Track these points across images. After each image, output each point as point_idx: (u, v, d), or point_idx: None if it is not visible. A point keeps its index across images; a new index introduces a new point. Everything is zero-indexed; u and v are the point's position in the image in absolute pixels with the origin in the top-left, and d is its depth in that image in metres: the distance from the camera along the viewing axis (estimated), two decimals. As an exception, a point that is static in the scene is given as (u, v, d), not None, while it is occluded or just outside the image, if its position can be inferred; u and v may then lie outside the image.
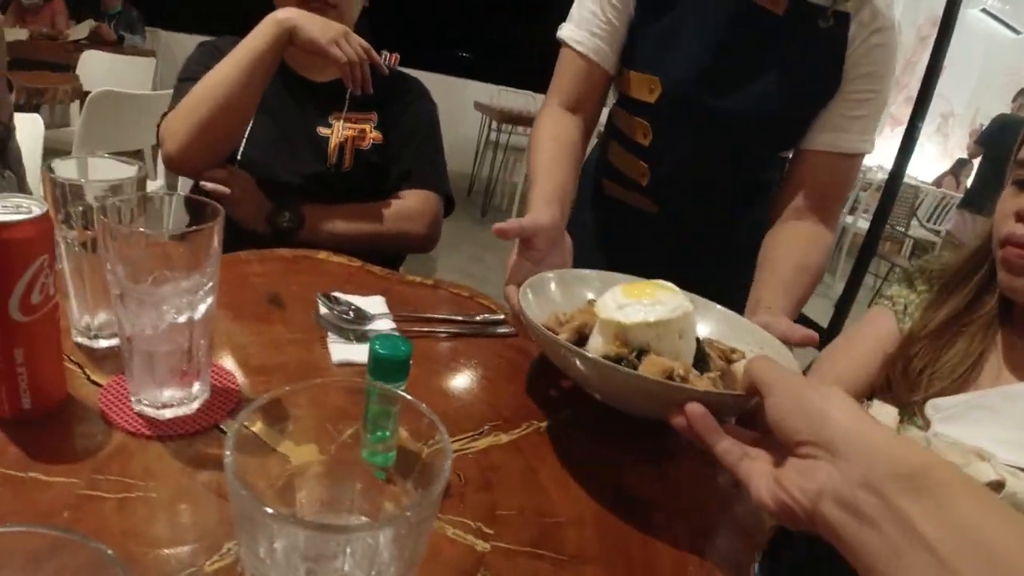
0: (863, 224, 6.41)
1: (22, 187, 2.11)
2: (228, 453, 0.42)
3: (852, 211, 7.06)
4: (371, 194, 1.60)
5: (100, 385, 0.78)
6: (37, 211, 0.65)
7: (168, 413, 0.75)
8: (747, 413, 0.73)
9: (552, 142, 1.29)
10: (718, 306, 1.05)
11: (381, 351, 0.67)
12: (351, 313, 1.03)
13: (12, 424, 0.70)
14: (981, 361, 1.02)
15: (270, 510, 0.39)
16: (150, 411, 0.75)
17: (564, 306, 1.00)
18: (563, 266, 1.08)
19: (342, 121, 1.59)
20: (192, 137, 1.39)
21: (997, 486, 0.82)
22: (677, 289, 0.92)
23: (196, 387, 0.77)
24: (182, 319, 0.71)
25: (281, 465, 0.52)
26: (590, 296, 1.03)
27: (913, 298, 1.14)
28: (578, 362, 0.80)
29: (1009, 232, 0.97)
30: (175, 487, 0.67)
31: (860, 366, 1.13)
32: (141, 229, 0.72)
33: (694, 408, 0.68)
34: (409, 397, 0.51)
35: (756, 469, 0.63)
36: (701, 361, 0.88)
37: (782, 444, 0.60)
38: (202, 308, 0.73)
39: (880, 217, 3.49)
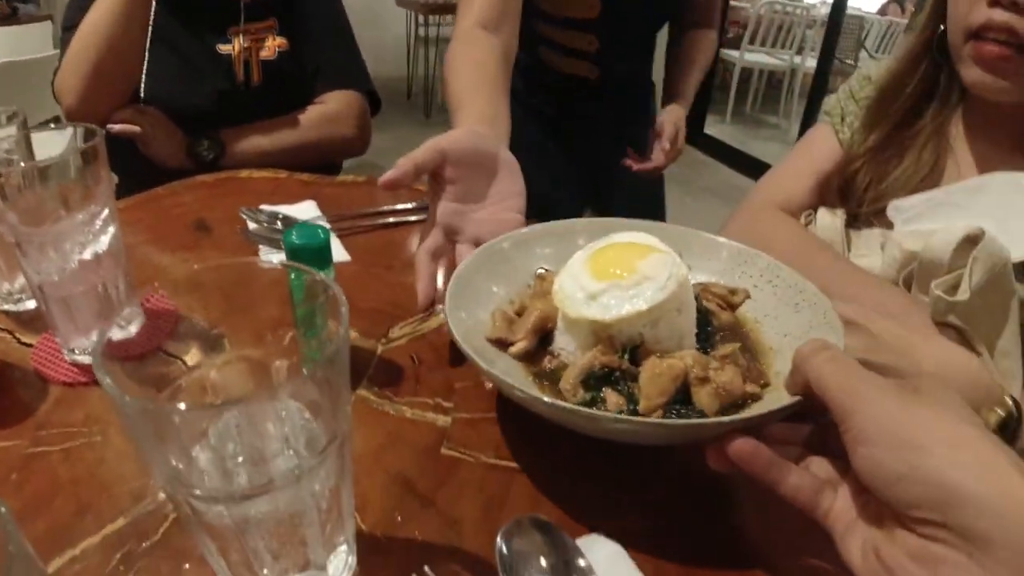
0: (811, 63, 6.04)
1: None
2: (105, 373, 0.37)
3: (799, 51, 6.75)
4: (291, 106, 1.54)
5: (31, 345, 0.77)
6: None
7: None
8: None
9: (473, 66, 1.06)
10: (698, 233, 0.85)
11: (297, 240, 0.63)
12: (279, 222, 0.99)
13: None
14: (938, 168, 0.97)
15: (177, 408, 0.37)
16: (83, 358, 0.73)
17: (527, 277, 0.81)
18: (511, 196, 0.87)
19: (241, 34, 1.49)
20: (86, 84, 1.33)
21: (974, 238, 0.81)
22: (654, 240, 0.72)
23: (125, 311, 0.74)
24: (88, 255, 0.68)
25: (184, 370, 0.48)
26: (539, 269, 0.82)
27: (852, 107, 1.08)
28: (560, 415, 0.59)
29: (984, 22, 0.81)
30: (118, 426, 0.67)
31: (803, 186, 1.10)
32: (16, 162, 0.68)
33: (741, 449, 0.52)
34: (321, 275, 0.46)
35: (843, 519, 0.48)
36: (704, 330, 0.72)
37: (884, 503, 0.44)
38: (105, 239, 0.69)
39: (827, 52, 3.40)
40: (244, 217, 1.02)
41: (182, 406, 0.41)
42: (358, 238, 1.05)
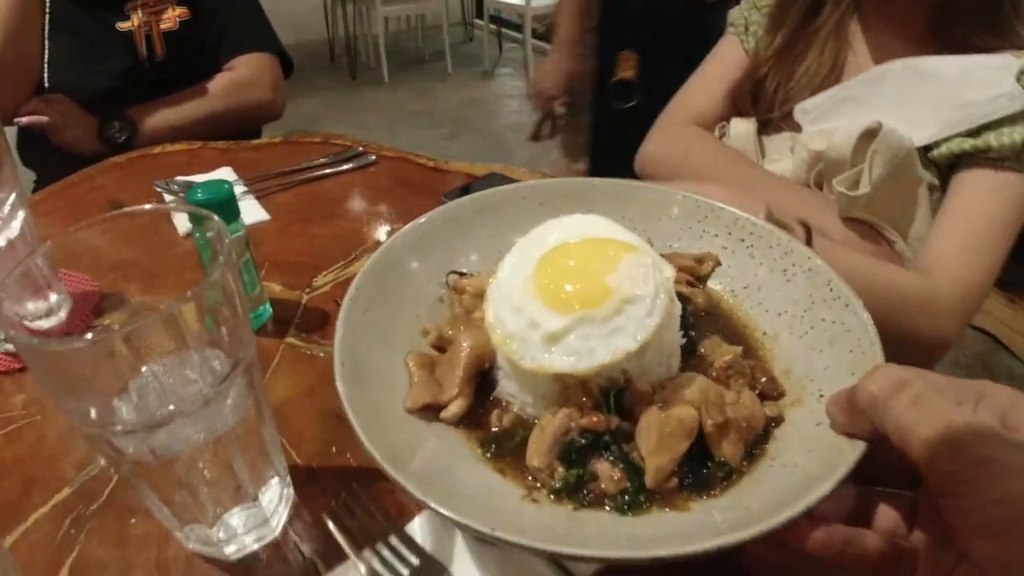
0: None
1: None
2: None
3: None
4: (201, 76, 1.48)
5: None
6: None
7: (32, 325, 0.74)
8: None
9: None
10: (641, 186, 0.68)
11: (201, 196, 0.63)
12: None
13: None
14: (839, 63, 0.98)
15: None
16: (9, 347, 0.74)
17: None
18: None
19: (139, 8, 1.43)
20: None
21: (872, 132, 0.82)
22: (607, 227, 0.55)
23: (53, 299, 0.75)
24: (1, 242, 0.69)
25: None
26: (448, 275, 0.63)
27: (755, 16, 1.08)
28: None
29: None
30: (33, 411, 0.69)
31: (714, 98, 1.10)
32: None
33: (816, 541, 0.40)
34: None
35: None
36: (690, 337, 0.55)
37: None
38: (16, 224, 0.70)
39: None
40: (159, 190, 1.02)
41: (79, 341, 0.39)
42: (276, 197, 1.06)
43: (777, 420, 0.50)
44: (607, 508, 0.45)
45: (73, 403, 0.42)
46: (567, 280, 0.49)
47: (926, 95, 0.88)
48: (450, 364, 0.53)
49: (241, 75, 1.51)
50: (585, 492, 0.46)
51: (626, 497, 0.46)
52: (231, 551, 0.54)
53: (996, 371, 2.17)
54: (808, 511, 0.39)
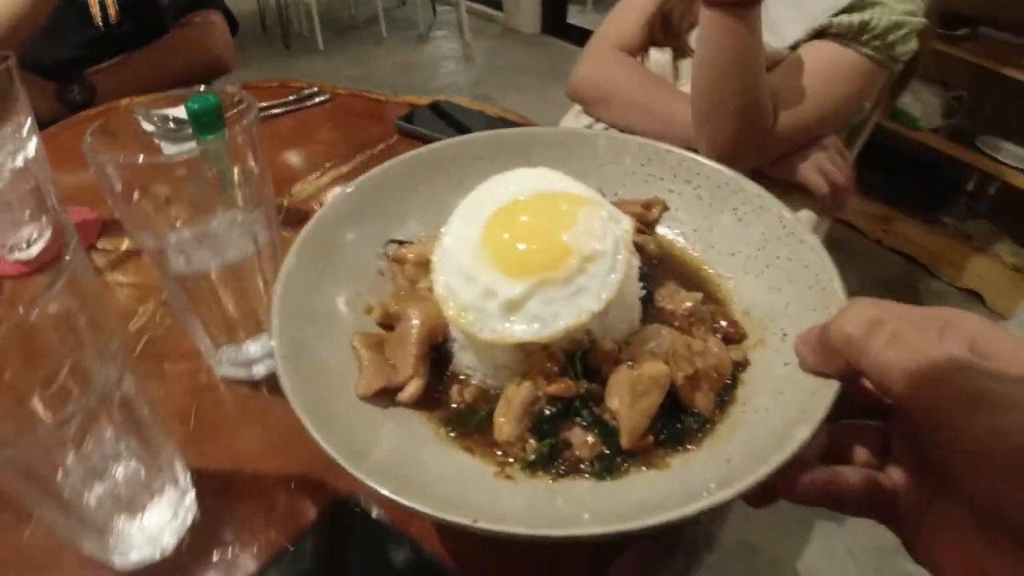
0: None
1: None
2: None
3: None
4: (155, 36, 1.49)
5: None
6: None
7: (35, 250, 0.82)
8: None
9: None
10: (585, 133, 0.66)
11: (194, 106, 0.62)
12: (171, 123, 0.94)
13: None
14: None
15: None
16: (22, 255, 0.81)
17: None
18: None
19: None
20: None
21: None
22: (557, 179, 0.52)
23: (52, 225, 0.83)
24: (20, 162, 0.77)
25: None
26: (387, 245, 0.58)
27: None
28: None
29: None
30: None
31: (634, 29, 1.21)
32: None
33: (802, 486, 0.39)
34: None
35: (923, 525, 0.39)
36: (646, 286, 0.53)
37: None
38: (31, 146, 0.78)
39: None
40: (138, 118, 0.96)
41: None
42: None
43: (743, 364, 0.49)
44: (585, 475, 0.43)
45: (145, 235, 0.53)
46: (521, 241, 0.45)
47: (786, 6, 1.06)
48: (401, 342, 0.49)
49: (192, 33, 1.53)
50: (560, 461, 0.44)
51: (603, 461, 0.44)
52: (258, 371, 0.62)
53: (916, 287, 2.32)
54: (794, 457, 0.38)
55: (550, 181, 0.50)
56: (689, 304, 0.51)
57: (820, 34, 1.02)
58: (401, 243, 0.58)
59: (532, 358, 0.46)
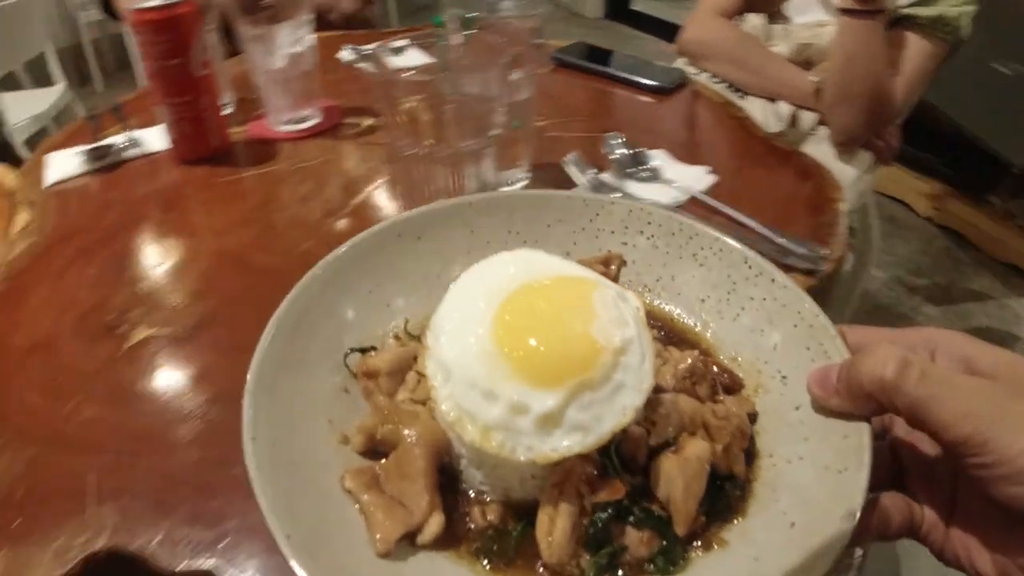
0: None
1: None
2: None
3: None
4: None
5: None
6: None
7: (301, 125, 1.09)
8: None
9: None
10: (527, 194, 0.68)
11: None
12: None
13: (201, 160, 1.00)
14: None
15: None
16: (289, 128, 1.08)
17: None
18: None
19: None
20: None
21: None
22: (573, 269, 0.48)
23: (311, 110, 1.11)
24: (299, 48, 1.01)
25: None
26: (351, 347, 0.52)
27: None
28: None
29: None
30: (326, 159, 1.02)
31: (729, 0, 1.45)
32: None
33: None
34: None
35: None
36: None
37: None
38: (308, 39, 1.03)
39: None
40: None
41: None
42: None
43: (753, 415, 0.48)
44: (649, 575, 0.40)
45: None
46: (544, 343, 0.40)
47: None
48: (403, 475, 0.42)
49: None
50: (619, 568, 0.40)
51: (664, 555, 0.41)
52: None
53: (962, 261, 2.59)
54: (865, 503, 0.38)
55: (539, 264, 0.46)
56: (685, 363, 0.49)
57: (899, 21, 1.27)
58: (364, 351, 0.50)
59: (566, 463, 0.41)
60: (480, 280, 0.45)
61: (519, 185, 0.89)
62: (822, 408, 0.43)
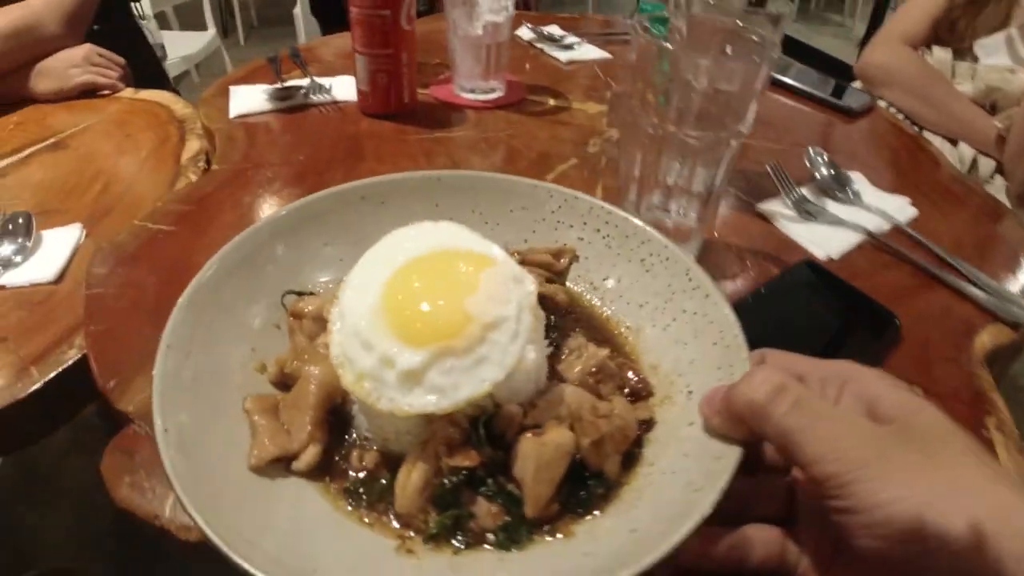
0: None
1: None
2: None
3: None
4: None
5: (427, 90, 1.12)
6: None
7: (486, 96, 1.10)
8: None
9: None
10: (496, 177, 0.64)
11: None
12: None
13: (388, 115, 1.03)
14: (1009, 14, 1.37)
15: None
16: (472, 96, 1.10)
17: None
18: None
19: None
20: None
21: None
22: (461, 234, 0.50)
23: (497, 82, 1.12)
24: (499, 19, 1.02)
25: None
26: (286, 294, 0.56)
27: None
28: None
29: None
30: (513, 132, 1.03)
31: (917, 26, 1.46)
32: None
33: (706, 558, 0.40)
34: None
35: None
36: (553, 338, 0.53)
37: None
38: (504, 15, 1.03)
39: None
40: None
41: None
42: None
43: (649, 423, 0.49)
44: (489, 547, 0.42)
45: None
46: (420, 306, 0.43)
47: None
48: (296, 405, 0.46)
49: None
50: (463, 533, 0.42)
51: (507, 532, 0.42)
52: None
53: None
54: (696, 528, 0.37)
55: (454, 237, 0.48)
56: (596, 360, 0.50)
57: None
58: (300, 294, 0.54)
59: (435, 424, 0.44)
60: (395, 244, 0.48)
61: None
62: (707, 427, 0.43)
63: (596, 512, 0.44)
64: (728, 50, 0.62)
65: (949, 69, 1.42)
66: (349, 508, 0.44)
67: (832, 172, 0.92)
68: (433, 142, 0.97)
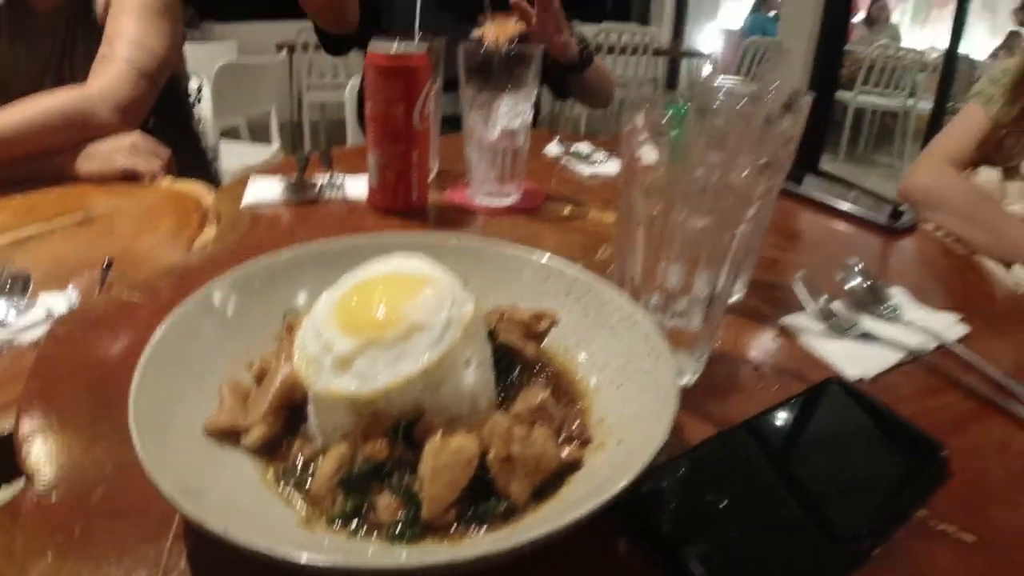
0: (924, 105, 6.16)
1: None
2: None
3: (912, 94, 6.43)
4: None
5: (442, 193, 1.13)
6: (423, 48, 0.95)
7: (500, 201, 1.09)
8: None
9: None
10: (497, 246, 0.69)
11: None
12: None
13: (396, 212, 1.03)
14: None
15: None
16: (487, 201, 1.09)
17: None
18: None
19: None
20: None
21: None
22: (428, 266, 0.55)
23: (512, 188, 1.10)
24: (515, 124, 1.02)
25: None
26: (289, 309, 0.63)
27: (992, 90, 1.40)
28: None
29: None
30: (520, 235, 1.00)
31: (963, 146, 1.43)
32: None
33: None
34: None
35: None
36: (506, 373, 0.57)
37: None
38: (526, 116, 1.02)
39: (943, 95, 3.49)
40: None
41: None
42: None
43: (575, 464, 0.49)
44: (378, 539, 0.44)
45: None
46: (362, 305, 0.49)
47: None
48: (261, 392, 0.52)
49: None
50: (360, 522, 0.45)
51: (399, 526, 0.44)
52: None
53: None
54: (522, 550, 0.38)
55: (419, 266, 0.54)
56: (537, 400, 0.51)
57: None
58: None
59: (363, 422, 0.47)
60: (366, 267, 0.55)
61: (735, 297, 0.83)
62: None
63: (487, 530, 0.44)
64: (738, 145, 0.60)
65: (999, 189, 1.36)
66: (276, 484, 0.48)
67: (869, 283, 0.83)
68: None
